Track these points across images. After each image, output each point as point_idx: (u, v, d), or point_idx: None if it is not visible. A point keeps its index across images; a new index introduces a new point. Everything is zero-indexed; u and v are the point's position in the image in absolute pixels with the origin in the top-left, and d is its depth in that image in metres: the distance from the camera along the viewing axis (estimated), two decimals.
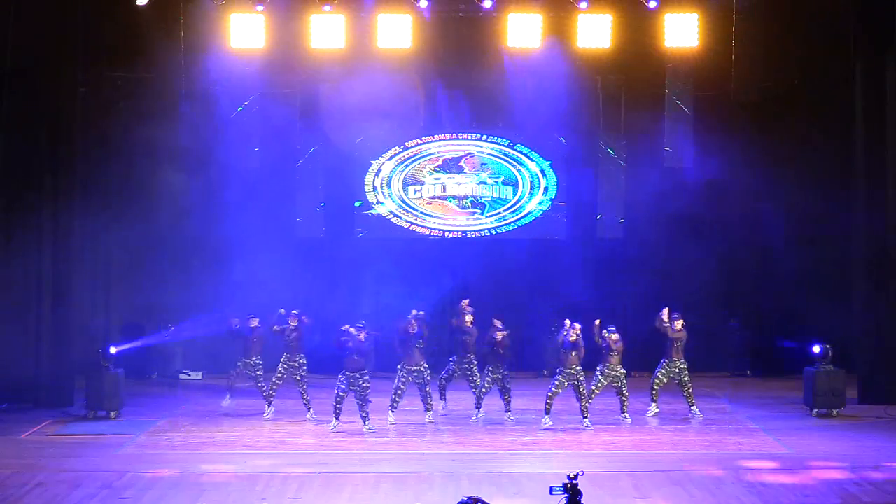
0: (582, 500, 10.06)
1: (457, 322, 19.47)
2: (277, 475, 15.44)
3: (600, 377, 18.79)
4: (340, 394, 18.06)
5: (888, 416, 19.35)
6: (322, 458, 16.65)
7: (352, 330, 18.02)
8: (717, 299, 23.53)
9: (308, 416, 18.99)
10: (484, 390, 18.83)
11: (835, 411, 19.32)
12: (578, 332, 18.30)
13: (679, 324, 19.24)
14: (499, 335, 18.50)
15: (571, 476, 10.07)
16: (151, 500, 14.34)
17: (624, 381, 18.82)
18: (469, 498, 10.12)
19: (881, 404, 19.89)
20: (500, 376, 18.63)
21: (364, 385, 17.98)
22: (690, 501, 14.25)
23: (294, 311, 19.26)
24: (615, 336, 18.74)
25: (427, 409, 18.86)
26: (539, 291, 23.63)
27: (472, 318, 19.38)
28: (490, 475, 15.45)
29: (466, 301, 19.71)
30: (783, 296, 23.28)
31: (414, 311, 18.98)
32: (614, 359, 18.75)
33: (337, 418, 18.13)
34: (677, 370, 19.21)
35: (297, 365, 19.11)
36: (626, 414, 18.88)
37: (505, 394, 18.76)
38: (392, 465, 16.11)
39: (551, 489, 10.09)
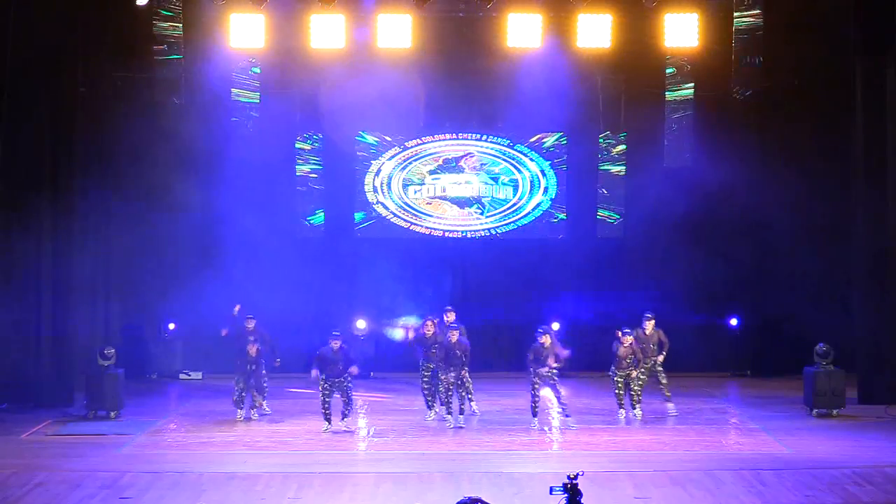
0: (582, 500, 10.06)
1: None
2: (277, 475, 15.43)
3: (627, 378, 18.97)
4: (326, 399, 18.10)
5: (888, 416, 19.35)
6: (322, 458, 16.66)
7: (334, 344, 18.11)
8: (717, 299, 23.53)
9: (238, 415, 19.03)
10: (442, 392, 18.75)
11: (835, 411, 19.31)
12: (549, 336, 18.28)
13: (650, 325, 19.24)
14: (452, 335, 18.40)
15: (571, 476, 10.07)
16: (151, 500, 14.33)
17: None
18: (469, 498, 10.12)
19: (881, 404, 19.88)
20: (452, 377, 18.47)
21: (347, 386, 18.07)
22: (690, 501, 14.25)
23: (249, 317, 19.33)
24: (630, 339, 18.86)
25: (449, 412, 18.77)
26: (538, 291, 23.62)
27: (433, 327, 19.21)
28: (490, 475, 15.45)
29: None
30: (783, 295, 23.28)
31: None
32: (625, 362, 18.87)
33: (328, 421, 18.13)
34: (651, 365, 19.18)
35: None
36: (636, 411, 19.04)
37: (465, 393, 18.59)
38: (392, 465, 16.11)
39: (551, 489, 10.09)
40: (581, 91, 23.02)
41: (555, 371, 18.23)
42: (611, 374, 19.03)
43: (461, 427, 18.27)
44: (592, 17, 21.68)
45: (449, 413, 18.58)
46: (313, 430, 18.23)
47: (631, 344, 18.83)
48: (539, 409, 18.44)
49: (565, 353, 18.41)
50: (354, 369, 18.16)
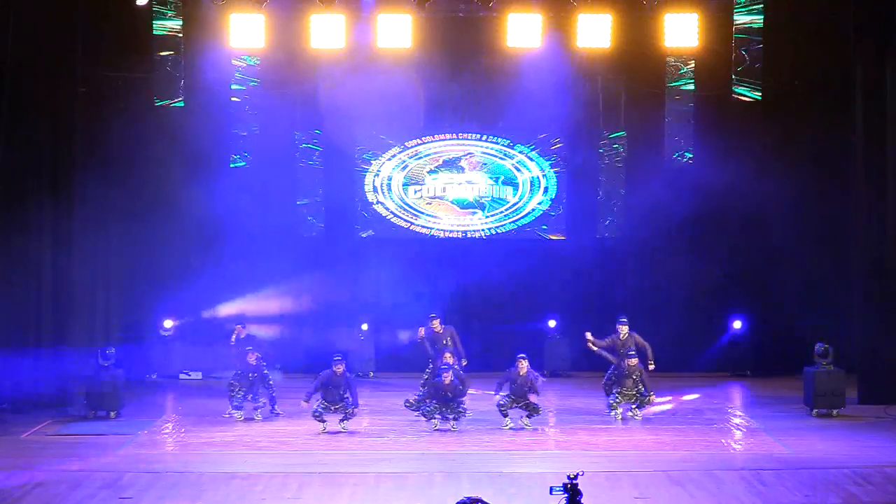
0: (582, 500, 10.08)
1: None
2: (277, 475, 15.44)
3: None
4: (324, 415, 18.11)
5: (888, 416, 19.36)
6: (322, 458, 16.66)
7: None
8: (718, 299, 23.52)
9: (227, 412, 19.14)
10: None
11: (835, 411, 19.32)
12: (527, 364, 18.32)
13: (624, 329, 19.28)
14: (445, 377, 18.30)
15: (571, 476, 10.08)
16: (151, 500, 14.34)
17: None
18: (469, 498, 10.13)
19: (881, 404, 19.89)
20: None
21: (350, 412, 18.07)
22: (690, 501, 14.26)
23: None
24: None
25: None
26: (538, 291, 23.62)
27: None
28: (490, 475, 15.46)
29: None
30: (783, 295, 23.28)
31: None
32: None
33: (323, 421, 18.13)
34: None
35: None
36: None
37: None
38: (392, 465, 16.11)
39: (551, 489, 10.10)
40: (581, 91, 23.03)
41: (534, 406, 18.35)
42: (606, 377, 19.13)
43: (449, 430, 18.25)
44: (592, 17, 21.68)
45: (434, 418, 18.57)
46: (313, 430, 18.22)
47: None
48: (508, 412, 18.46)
49: (541, 380, 18.48)
50: (355, 410, 18.16)
